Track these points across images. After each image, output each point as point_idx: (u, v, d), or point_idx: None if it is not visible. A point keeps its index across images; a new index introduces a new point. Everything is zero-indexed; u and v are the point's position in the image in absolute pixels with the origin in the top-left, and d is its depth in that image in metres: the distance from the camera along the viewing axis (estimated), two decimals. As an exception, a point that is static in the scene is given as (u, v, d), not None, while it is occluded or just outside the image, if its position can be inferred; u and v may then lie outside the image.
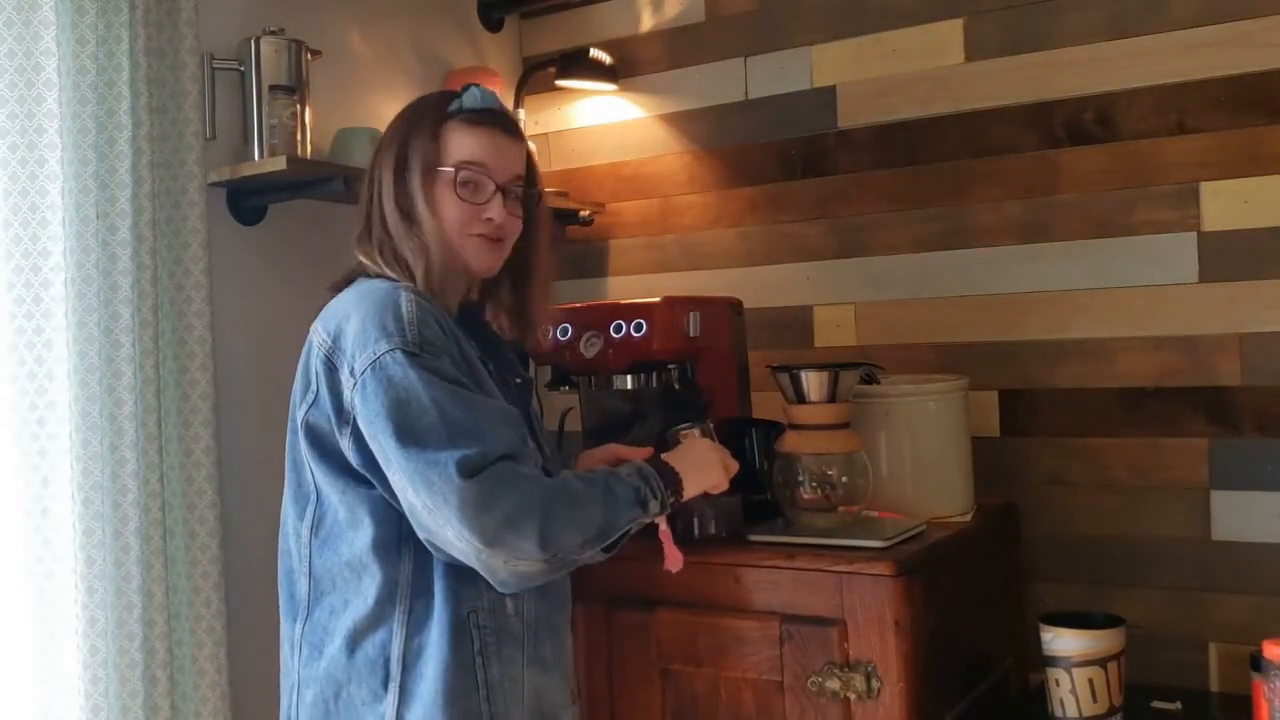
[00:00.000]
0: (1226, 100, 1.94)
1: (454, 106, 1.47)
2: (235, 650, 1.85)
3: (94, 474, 1.66)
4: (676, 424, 1.74)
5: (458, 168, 1.45)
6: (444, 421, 1.26)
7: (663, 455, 1.50)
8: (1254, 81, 1.92)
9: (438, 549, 1.32)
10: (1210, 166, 1.96)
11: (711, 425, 1.66)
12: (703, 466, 1.50)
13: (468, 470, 1.23)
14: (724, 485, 1.54)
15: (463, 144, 1.46)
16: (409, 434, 1.26)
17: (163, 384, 1.77)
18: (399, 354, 1.29)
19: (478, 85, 1.50)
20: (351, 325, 1.34)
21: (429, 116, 1.48)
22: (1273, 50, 1.91)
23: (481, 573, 1.30)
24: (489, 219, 1.46)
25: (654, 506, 1.40)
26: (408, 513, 1.31)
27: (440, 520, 1.25)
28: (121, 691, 1.66)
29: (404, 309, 1.33)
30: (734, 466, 1.56)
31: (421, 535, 1.32)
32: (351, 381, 1.31)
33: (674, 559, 1.52)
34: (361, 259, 1.47)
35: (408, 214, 1.44)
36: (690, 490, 1.47)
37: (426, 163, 1.45)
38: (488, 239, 1.47)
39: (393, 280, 1.41)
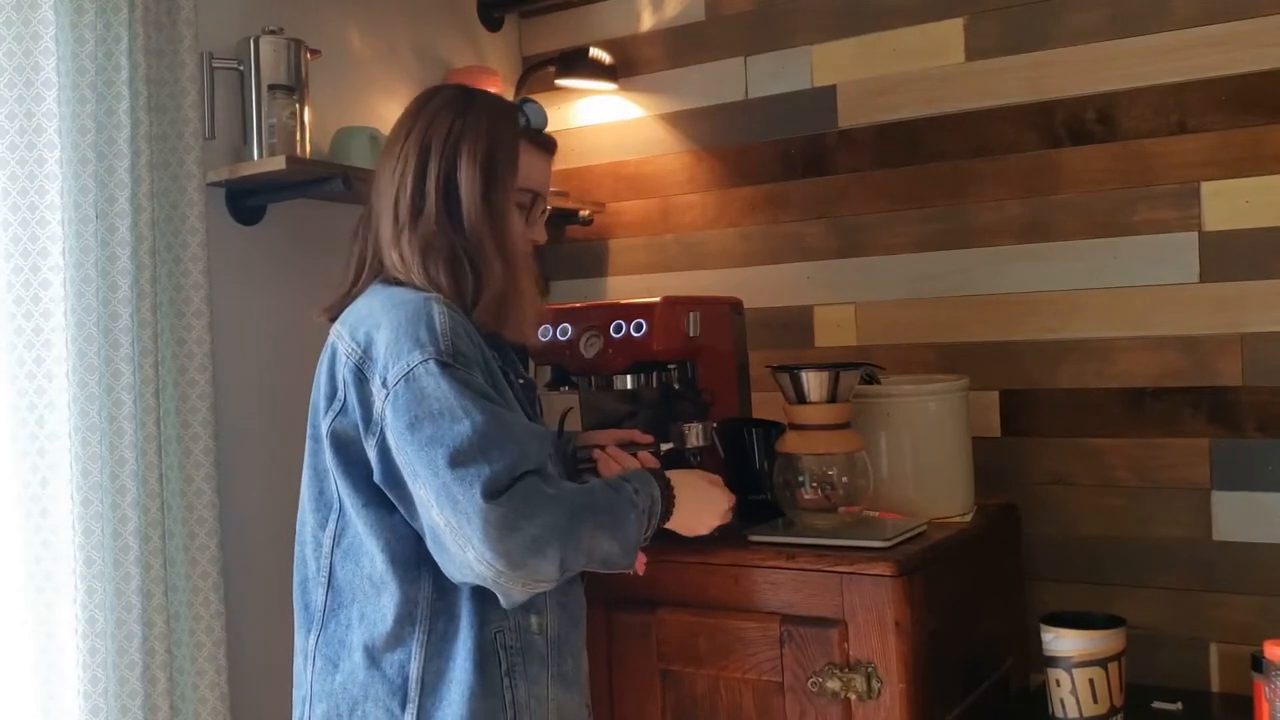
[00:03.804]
0: (1227, 100, 1.94)
1: (522, 123, 1.47)
2: (234, 651, 1.84)
3: (93, 474, 1.65)
4: (679, 420, 1.75)
5: (530, 192, 1.48)
6: (474, 433, 1.24)
7: (674, 481, 1.46)
8: (1255, 81, 1.92)
9: (451, 573, 1.28)
10: (1211, 166, 1.96)
11: (714, 426, 1.65)
12: (699, 514, 1.49)
13: (493, 491, 1.21)
14: (701, 532, 1.52)
15: (532, 168, 1.47)
16: (438, 447, 1.23)
17: (161, 384, 1.77)
18: (432, 364, 1.27)
19: (536, 102, 1.51)
20: (383, 334, 1.31)
21: (510, 129, 1.45)
22: (1273, 50, 1.90)
23: (494, 591, 1.27)
24: (534, 240, 1.50)
25: (646, 540, 1.39)
26: (427, 533, 1.28)
27: (462, 541, 1.22)
28: (120, 692, 1.66)
29: (437, 320, 1.30)
30: (728, 517, 1.53)
31: (437, 557, 1.28)
32: (384, 393, 1.28)
33: (639, 562, 1.48)
34: (395, 258, 1.40)
35: (494, 223, 1.41)
36: (673, 524, 1.45)
37: (511, 179, 1.44)
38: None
39: (419, 289, 1.37)
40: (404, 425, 1.26)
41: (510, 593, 1.27)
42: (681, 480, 1.47)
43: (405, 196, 1.40)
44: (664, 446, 1.67)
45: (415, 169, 1.40)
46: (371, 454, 1.31)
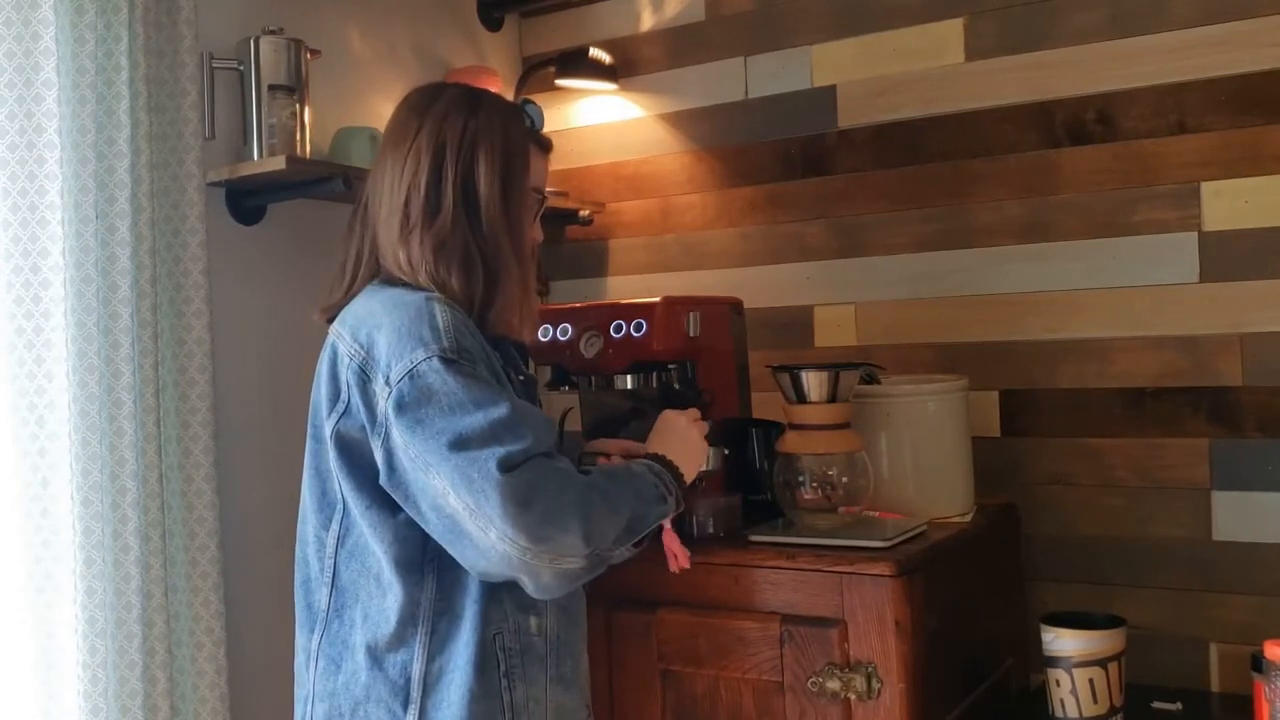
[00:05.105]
0: (1227, 100, 1.94)
1: (526, 124, 1.49)
2: (234, 651, 1.84)
3: (93, 474, 1.66)
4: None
5: (538, 193, 1.49)
6: (486, 419, 1.24)
7: (649, 446, 1.48)
8: (1255, 82, 1.92)
9: (475, 563, 1.27)
10: (1211, 166, 1.96)
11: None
12: (687, 446, 1.50)
13: (507, 465, 1.22)
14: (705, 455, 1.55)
15: (537, 168, 1.49)
16: (448, 435, 1.24)
17: (161, 384, 1.77)
18: (436, 360, 1.27)
19: (535, 103, 1.53)
20: (385, 335, 1.31)
21: (520, 130, 1.46)
22: (1273, 50, 1.90)
23: (524, 578, 1.26)
24: (534, 239, 1.51)
25: (671, 502, 1.40)
26: (447, 527, 1.26)
27: (483, 522, 1.21)
28: (120, 692, 1.66)
29: (439, 318, 1.30)
30: (705, 427, 1.56)
31: (459, 552, 1.28)
32: (387, 391, 1.28)
33: (682, 556, 1.49)
34: (401, 258, 1.39)
35: (512, 225, 1.42)
36: (689, 477, 1.47)
37: (526, 180, 1.45)
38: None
39: (419, 288, 1.37)
40: (410, 420, 1.26)
41: (540, 574, 1.25)
42: (663, 444, 1.49)
43: (419, 195, 1.39)
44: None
45: (430, 168, 1.39)
46: (378, 454, 1.30)
